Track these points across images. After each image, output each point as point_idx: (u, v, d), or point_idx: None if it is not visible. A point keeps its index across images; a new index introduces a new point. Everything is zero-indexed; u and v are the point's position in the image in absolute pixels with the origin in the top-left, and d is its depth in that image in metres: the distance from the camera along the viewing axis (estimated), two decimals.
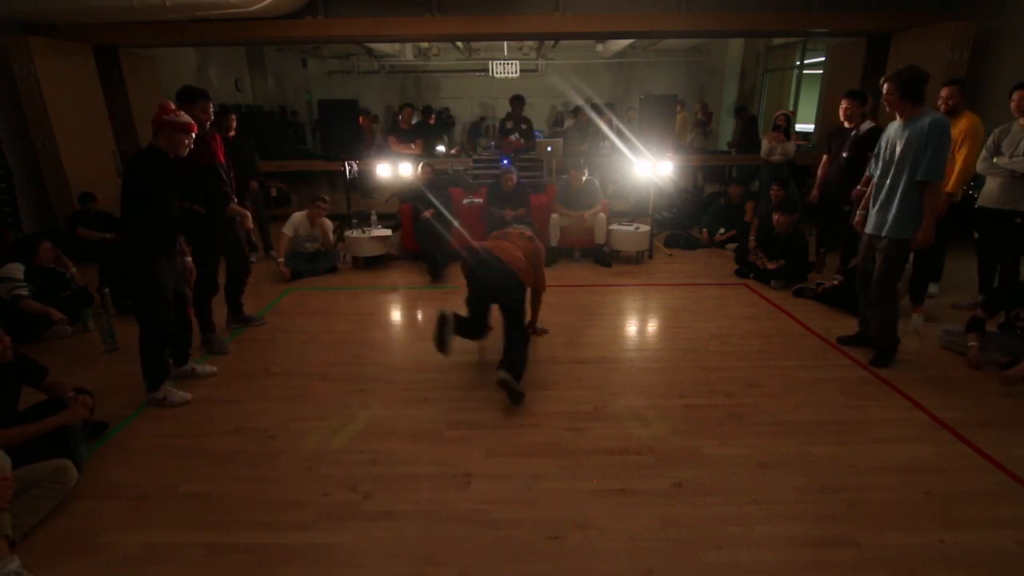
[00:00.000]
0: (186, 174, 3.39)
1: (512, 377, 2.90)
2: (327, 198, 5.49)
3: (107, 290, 4.13)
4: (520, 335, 3.13)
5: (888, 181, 3.17)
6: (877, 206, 3.27)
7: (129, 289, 2.97)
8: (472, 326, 3.32)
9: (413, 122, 7.76)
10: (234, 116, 5.47)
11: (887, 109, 3.15)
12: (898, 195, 3.10)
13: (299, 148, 11.80)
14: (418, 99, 15.02)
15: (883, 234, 3.20)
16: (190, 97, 3.38)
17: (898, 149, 3.08)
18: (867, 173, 3.49)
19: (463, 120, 15.05)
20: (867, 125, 4.41)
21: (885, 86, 3.05)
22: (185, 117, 2.93)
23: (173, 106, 2.93)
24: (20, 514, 2.05)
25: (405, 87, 15.38)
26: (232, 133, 5.37)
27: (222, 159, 3.61)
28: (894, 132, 3.15)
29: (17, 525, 2.01)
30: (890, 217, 3.15)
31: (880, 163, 3.26)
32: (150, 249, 2.85)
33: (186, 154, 2.97)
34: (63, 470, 2.23)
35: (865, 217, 3.47)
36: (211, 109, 3.47)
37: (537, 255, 3.52)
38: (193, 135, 2.96)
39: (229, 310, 4.03)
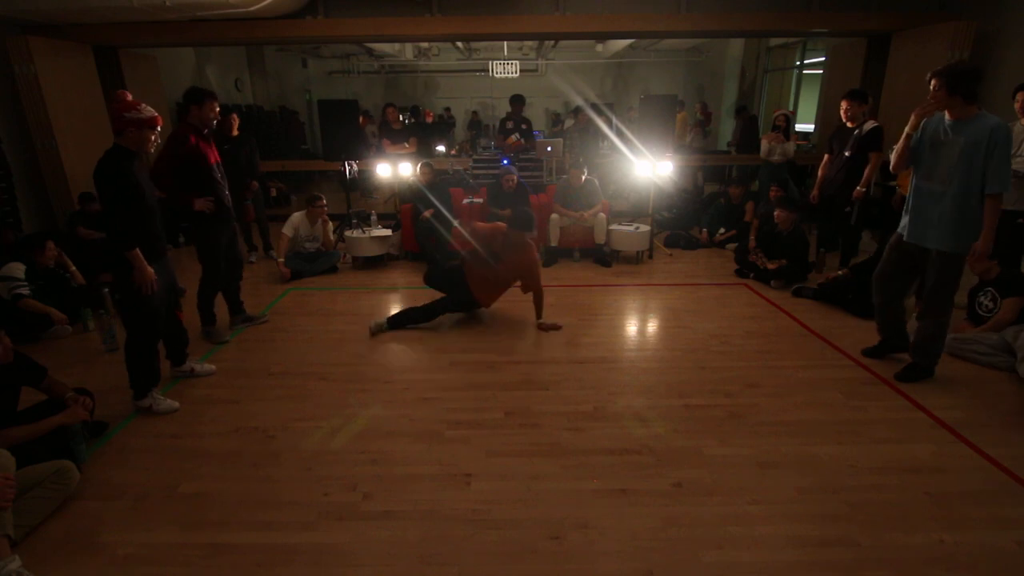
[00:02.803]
0: (202, 171, 3.44)
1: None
2: (322, 195, 5.46)
3: (107, 290, 4.13)
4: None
5: (937, 186, 2.87)
6: (919, 211, 2.97)
7: (122, 294, 2.85)
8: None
9: (407, 122, 7.73)
10: (235, 116, 5.49)
11: (936, 108, 2.86)
12: (950, 204, 2.83)
13: (302, 148, 11.83)
14: (418, 99, 15.04)
15: (931, 247, 2.94)
16: (198, 98, 3.35)
17: (947, 152, 2.81)
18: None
19: (462, 120, 15.07)
20: (870, 124, 4.40)
21: (932, 82, 2.77)
22: (149, 111, 2.75)
23: (130, 97, 2.75)
24: (21, 514, 2.05)
25: (405, 87, 15.38)
26: (235, 133, 5.38)
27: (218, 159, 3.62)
28: (942, 130, 2.84)
29: (18, 525, 2.02)
30: (941, 228, 2.88)
31: (923, 163, 2.94)
32: (125, 245, 2.71)
33: (152, 150, 2.85)
34: (65, 471, 2.23)
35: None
36: (217, 109, 3.46)
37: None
38: (159, 129, 2.80)
39: (229, 308, 4.03)
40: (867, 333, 3.70)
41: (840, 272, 4.44)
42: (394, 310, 4.52)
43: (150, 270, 2.77)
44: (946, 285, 3.01)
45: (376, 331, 3.91)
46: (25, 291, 3.87)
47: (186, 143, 3.39)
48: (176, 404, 3.00)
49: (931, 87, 2.80)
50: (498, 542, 2.07)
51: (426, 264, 5.29)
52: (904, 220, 3.11)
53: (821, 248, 5.24)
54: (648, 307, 4.56)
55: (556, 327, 3.99)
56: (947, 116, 2.86)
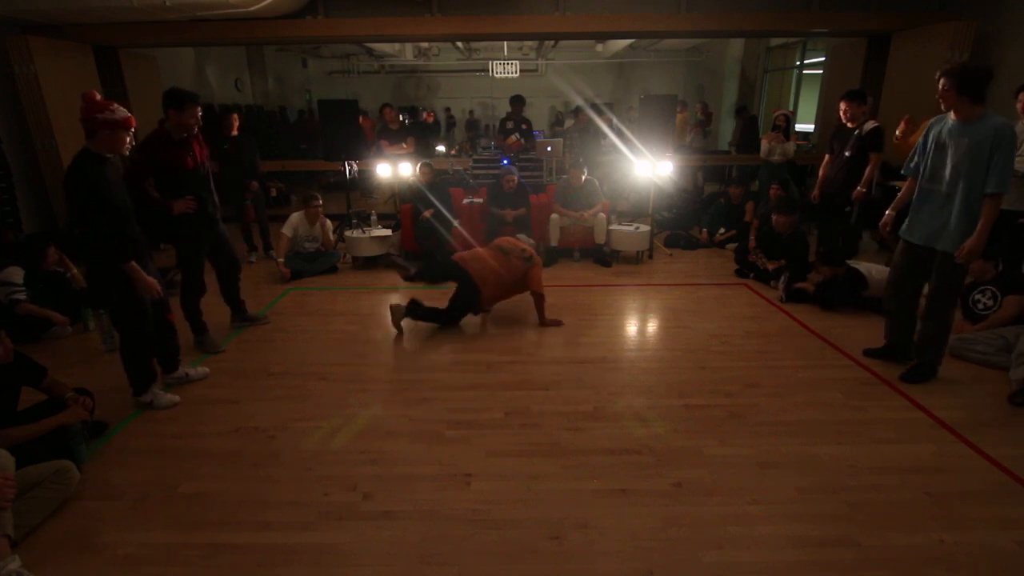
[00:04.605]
0: (175, 176, 3.28)
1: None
2: (318, 195, 5.44)
3: None
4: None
5: (942, 187, 2.84)
6: (924, 213, 2.95)
7: (105, 298, 2.79)
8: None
9: (405, 122, 7.75)
10: (236, 116, 5.49)
11: (942, 107, 2.84)
12: (956, 205, 2.80)
13: (303, 148, 11.84)
14: (419, 100, 15.04)
15: (938, 247, 2.91)
16: (177, 102, 3.14)
17: (952, 152, 2.78)
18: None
19: (463, 120, 15.08)
20: (870, 124, 4.40)
21: (941, 81, 2.75)
22: (123, 112, 2.61)
23: (99, 97, 2.62)
24: (21, 514, 2.05)
25: (406, 87, 15.38)
26: (235, 132, 5.39)
27: (203, 161, 3.42)
28: (946, 131, 2.82)
29: (18, 525, 2.01)
30: (948, 229, 2.85)
31: (927, 165, 2.92)
32: (117, 259, 2.67)
33: (127, 152, 2.74)
34: (65, 471, 2.23)
35: (895, 218, 3.18)
36: (199, 113, 3.24)
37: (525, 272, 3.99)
38: (133, 130, 2.68)
39: (232, 310, 4.02)
40: (867, 332, 3.70)
41: (819, 277, 4.48)
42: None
43: (150, 280, 2.72)
44: (951, 287, 3.01)
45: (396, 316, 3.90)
46: (22, 296, 3.83)
47: (162, 150, 3.23)
48: (176, 398, 3.03)
49: (939, 86, 2.78)
50: (498, 542, 2.07)
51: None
52: (907, 224, 3.09)
53: (821, 248, 5.23)
54: (648, 307, 4.56)
55: (558, 323, 4.03)
56: (952, 117, 2.83)
